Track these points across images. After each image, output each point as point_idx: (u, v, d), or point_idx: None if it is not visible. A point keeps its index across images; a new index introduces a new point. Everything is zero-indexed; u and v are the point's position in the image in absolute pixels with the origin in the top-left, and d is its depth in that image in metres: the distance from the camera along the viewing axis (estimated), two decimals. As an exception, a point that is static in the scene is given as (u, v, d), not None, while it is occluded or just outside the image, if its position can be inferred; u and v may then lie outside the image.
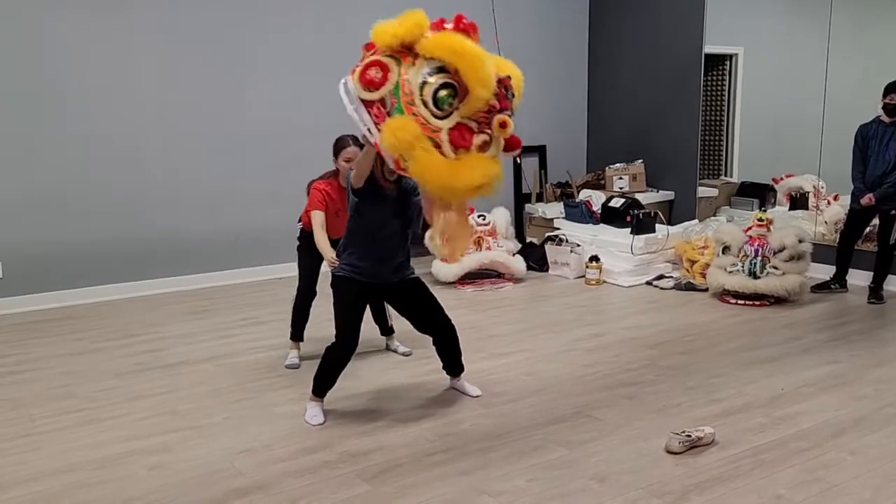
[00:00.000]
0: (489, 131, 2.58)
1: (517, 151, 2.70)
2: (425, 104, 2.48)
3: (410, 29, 2.53)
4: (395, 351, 4.09)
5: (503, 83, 2.56)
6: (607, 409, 3.32)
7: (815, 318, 4.74)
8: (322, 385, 3.26)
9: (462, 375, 3.55)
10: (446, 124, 2.48)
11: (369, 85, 2.53)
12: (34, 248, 5.11)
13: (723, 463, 2.81)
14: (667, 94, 6.74)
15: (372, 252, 3.16)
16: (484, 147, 2.55)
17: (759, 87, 6.34)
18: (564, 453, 2.91)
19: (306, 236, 3.82)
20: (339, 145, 3.66)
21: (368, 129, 2.60)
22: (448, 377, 3.57)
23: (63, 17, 5.03)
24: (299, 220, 3.95)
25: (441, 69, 2.48)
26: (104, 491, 2.67)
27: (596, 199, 6.48)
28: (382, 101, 2.54)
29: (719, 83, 6.52)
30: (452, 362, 3.51)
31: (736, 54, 6.40)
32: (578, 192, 6.85)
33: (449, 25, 2.61)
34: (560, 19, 7.17)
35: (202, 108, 5.58)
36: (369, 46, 2.67)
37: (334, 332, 3.20)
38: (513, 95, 2.64)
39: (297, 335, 3.99)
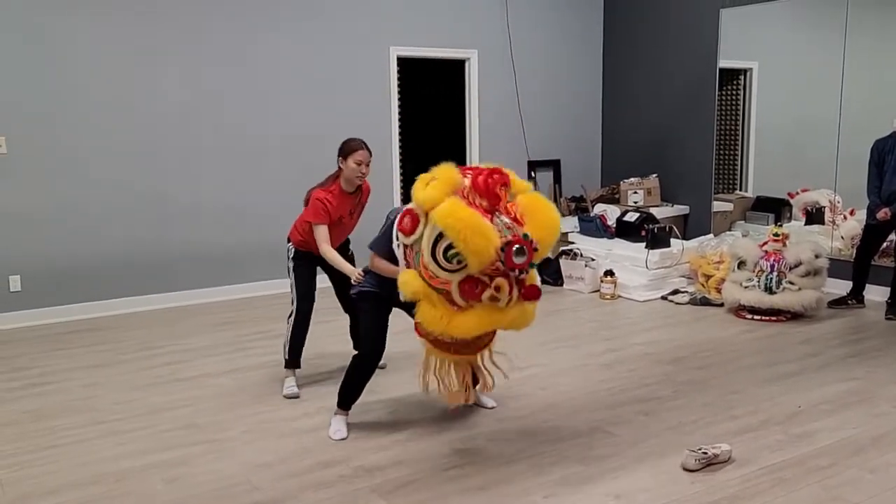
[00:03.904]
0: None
1: (534, 301, 2.83)
2: (435, 259, 2.69)
3: (432, 197, 2.69)
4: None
5: (514, 243, 2.65)
6: (623, 425, 3.32)
7: (832, 333, 4.71)
8: (348, 395, 3.29)
9: (476, 388, 3.56)
10: (457, 277, 2.70)
11: (401, 231, 2.84)
12: (55, 260, 5.18)
13: (740, 481, 2.80)
14: (681, 109, 6.75)
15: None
16: (495, 299, 2.74)
17: (774, 102, 6.33)
18: (581, 469, 2.91)
19: (301, 255, 3.67)
20: (350, 147, 3.50)
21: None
22: None
23: (85, 27, 5.12)
24: (289, 240, 3.73)
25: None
26: (125, 504, 2.71)
27: (611, 213, 6.49)
28: (411, 247, 2.83)
29: (734, 97, 6.52)
30: None
31: (751, 69, 6.40)
32: (593, 207, 6.86)
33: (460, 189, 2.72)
34: (574, 33, 7.21)
35: (224, 121, 5.65)
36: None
37: (361, 341, 3.29)
38: (531, 250, 2.68)
39: (294, 362, 3.76)
